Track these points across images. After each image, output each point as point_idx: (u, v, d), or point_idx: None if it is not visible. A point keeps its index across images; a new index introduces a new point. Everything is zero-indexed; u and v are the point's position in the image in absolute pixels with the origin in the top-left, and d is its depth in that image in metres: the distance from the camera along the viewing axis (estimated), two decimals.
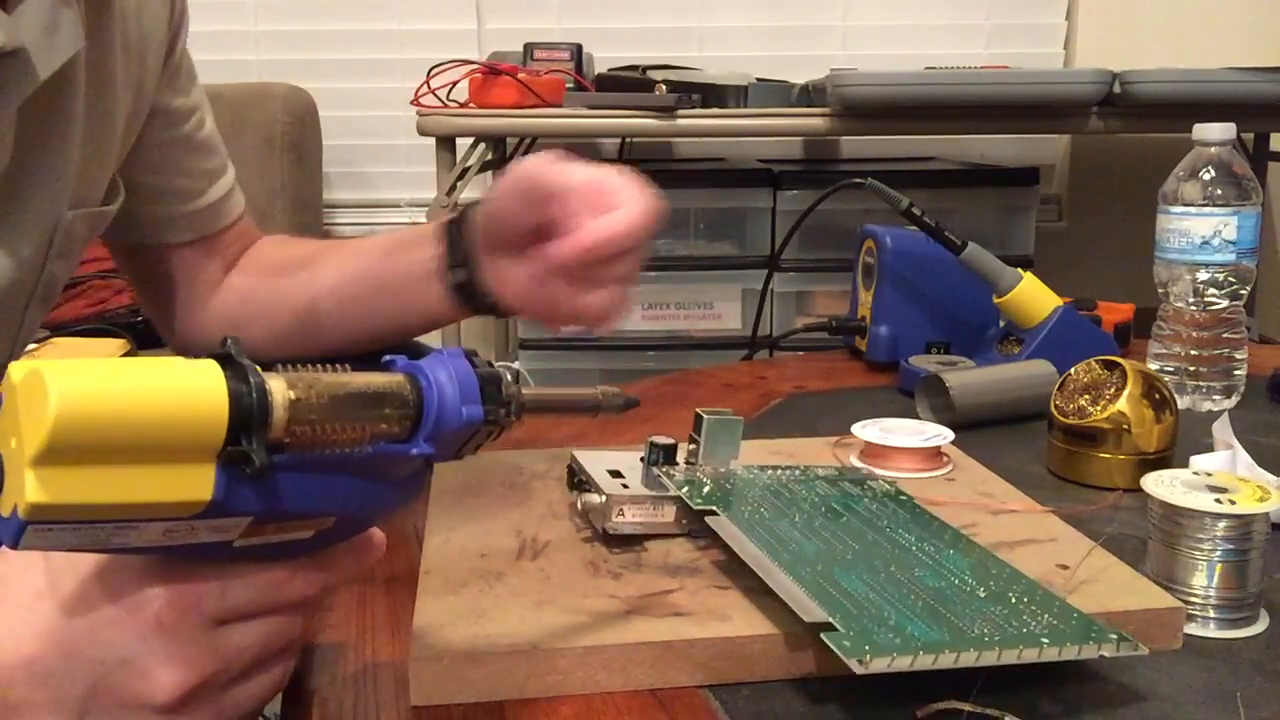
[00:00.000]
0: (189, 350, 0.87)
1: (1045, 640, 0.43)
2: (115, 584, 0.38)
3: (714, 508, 0.55)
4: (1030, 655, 0.43)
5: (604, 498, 0.55)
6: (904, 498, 0.60)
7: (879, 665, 0.41)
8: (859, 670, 0.41)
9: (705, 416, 0.61)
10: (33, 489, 0.30)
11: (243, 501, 0.34)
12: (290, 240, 0.88)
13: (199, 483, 0.33)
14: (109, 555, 0.38)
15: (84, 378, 0.31)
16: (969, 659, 0.42)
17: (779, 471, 0.62)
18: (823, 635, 0.42)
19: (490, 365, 0.40)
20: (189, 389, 0.33)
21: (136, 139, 0.75)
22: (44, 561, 0.39)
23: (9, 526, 0.31)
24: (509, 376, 0.41)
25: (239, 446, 0.33)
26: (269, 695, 0.42)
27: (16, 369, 0.31)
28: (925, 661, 0.41)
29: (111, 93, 0.69)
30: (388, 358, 0.40)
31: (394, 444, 0.38)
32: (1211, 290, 0.85)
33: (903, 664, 0.41)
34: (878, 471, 0.66)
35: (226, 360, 0.34)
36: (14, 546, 0.32)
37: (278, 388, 0.34)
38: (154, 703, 0.38)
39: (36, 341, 1.57)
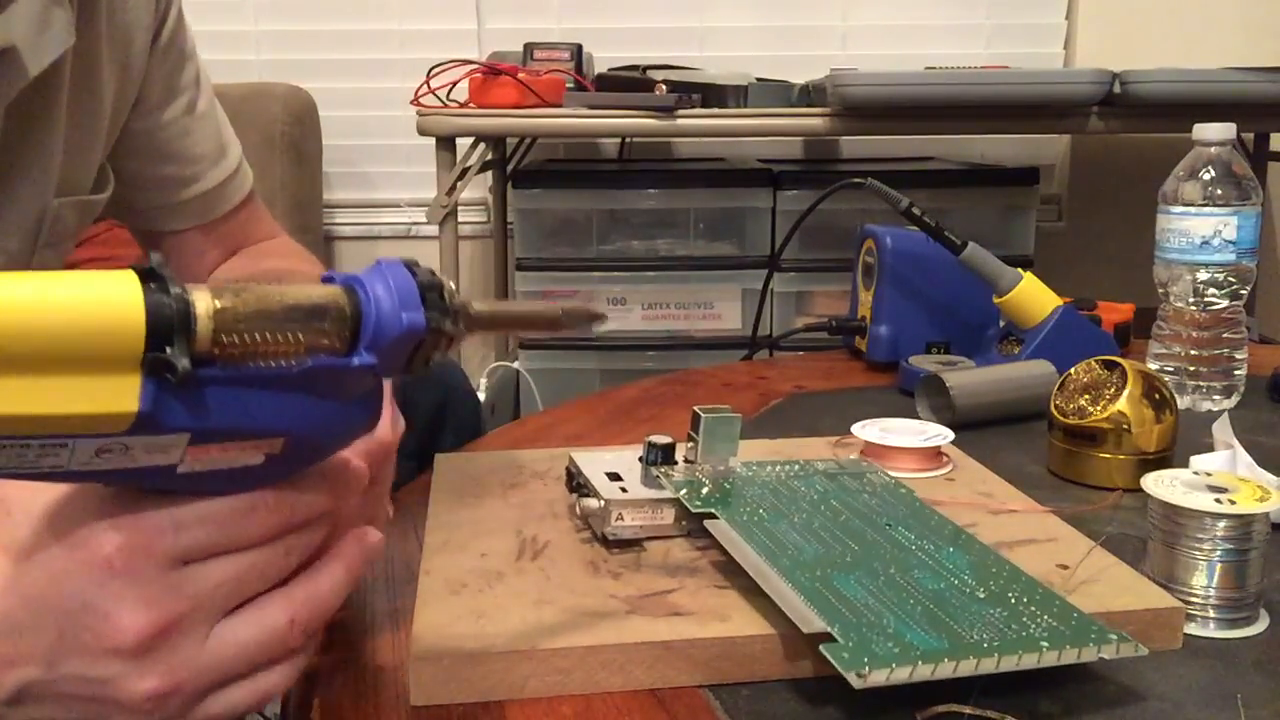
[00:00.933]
0: None
1: (1045, 644, 0.43)
2: (67, 528, 0.37)
3: (712, 510, 0.55)
4: (1030, 661, 0.43)
5: (602, 502, 0.55)
6: (903, 490, 0.60)
7: (877, 678, 0.41)
8: (857, 684, 0.40)
9: (703, 414, 0.61)
10: None
11: (173, 415, 0.33)
12: (278, 259, 0.85)
13: (123, 393, 0.32)
14: (60, 501, 0.37)
15: None
16: (968, 667, 0.42)
17: (778, 468, 0.62)
18: (821, 647, 0.42)
19: (433, 274, 0.39)
20: (102, 295, 0.32)
21: (123, 125, 0.74)
22: (9, 513, 0.38)
23: None
24: (452, 285, 0.39)
25: (164, 356, 0.32)
26: (269, 640, 0.40)
27: None
28: (924, 672, 0.41)
29: (98, 82, 0.68)
30: (326, 274, 0.39)
31: (333, 357, 0.37)
32: (1211, 290, 0.85)
33: (901, 675, 0.41)
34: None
35: (149, 272, 0.33)
36: None
37: (201, 296, 0.33)
38: (119, 646, 0.37)
39: None
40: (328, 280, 0.38)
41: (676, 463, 0.60)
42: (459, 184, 1.68)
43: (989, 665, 0.42)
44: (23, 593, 0.37)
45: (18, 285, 0.31)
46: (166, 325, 0.32)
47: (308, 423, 0.37)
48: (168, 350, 0.32)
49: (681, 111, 1.64)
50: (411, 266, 0.38)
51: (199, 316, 0.33)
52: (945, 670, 0.42)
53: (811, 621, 0.44)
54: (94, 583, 0.36)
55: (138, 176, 0.77)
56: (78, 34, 0.64)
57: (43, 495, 0.38)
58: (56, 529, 0.37)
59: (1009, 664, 0.42)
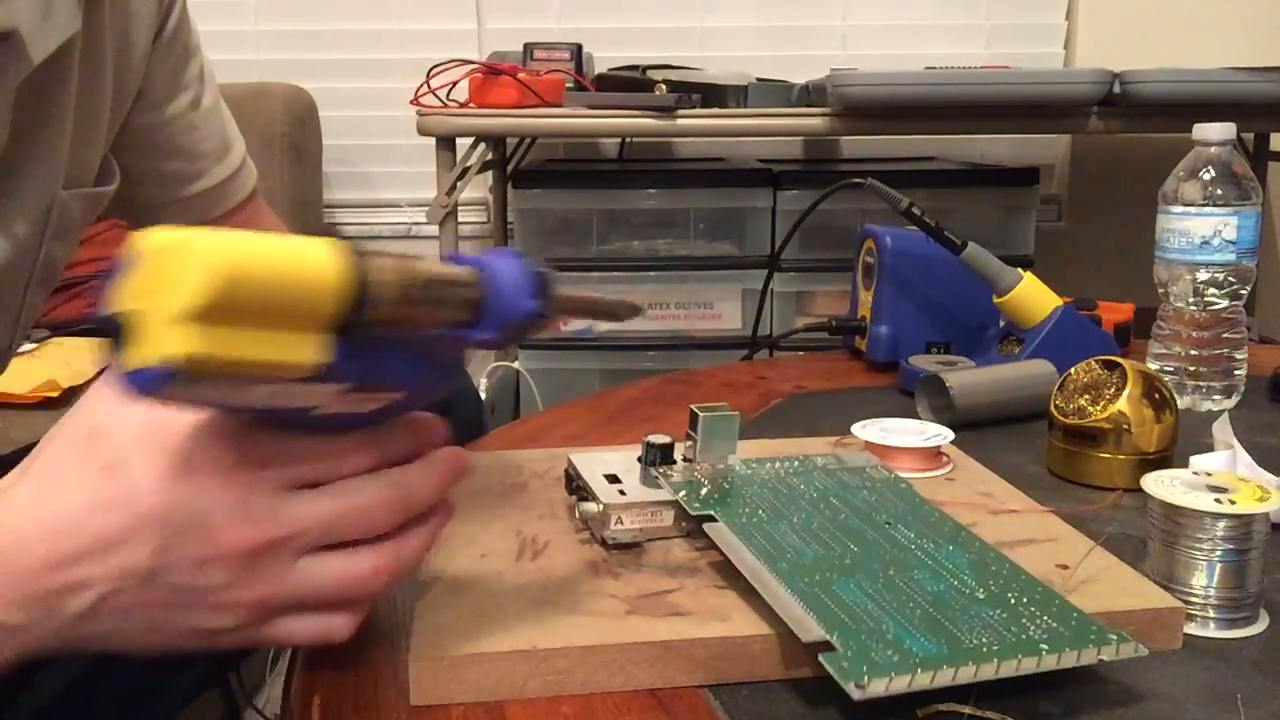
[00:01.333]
0: None
1: (1045, 648, 0.43)
2: (182, 449, 0.40)
3: (711, 512, 0.55)
4: (1029, 665, 0.43)
5: (601, 506, 0.55)
6: (903, 486, 0.60)
7: (876, 688, 0.41)
8: (857, 695, 0.40)
9: (701, 414, 0.61)
10: (183, 342, 0.33)
11: (347, 370, 0.37)
12: None
13: (318, 348, 0.36)
14: (165, 423, 0.40)
15: (231, 242, 0.34)
16: (967, 674, 0.42)
17: (777, 464, 0.62)
18: (820, 657, 0.42)
19: (535, 263, 0.44)
20: (317, 259, 0.36)
21: (125, 120, 0.73)
22: (107, 435, 0.40)
23: (142, 378, 0.34)
24: (553, 276, 0.44)
25: (354, 317, 0.36)
26: (352, 580, 0.42)
27: (147, 238, 0.34)
28: (923, 680, 0.41)
29: (101, 73, 0.68)
30: (450, 252, 0.44)
31: (463, 328, 0.41)
32: (1211, 290, 0.86)
33: (900, 685, 0.41)
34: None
35: (343, 240, 0.37)
36: (152, 396, 0.35)
37: (380, 264, 0.37)
38: (224, 555, 0.40)
39: (36, 342, 1.57)
40: (452, 258, 0.42)
41: (675, 462, 0.60)
42: (459, 184, 1.68)
43: (988, 671, 0.42)
44: (124, 508, 0.39)
45: (254, 244, 0.34)
46: (360, 289, 0.36)
47: (424, 382, 0.42)
48: (358, 314, 0.36)
49: (681, 111, 1.64)
50: (520, 257, 0.43)
51: (383, 284, 0.37)
52: (944, 678, 0.42)
53: (811, 630, 0.44)
54: (206, 498, 0.39)
55: (141, 172, 0.76)
56: (83, 23, 0.64)
57: (132, 417, 0.40)
58: (174, 449, 0.40)
59: (1008, 669, 0.42)
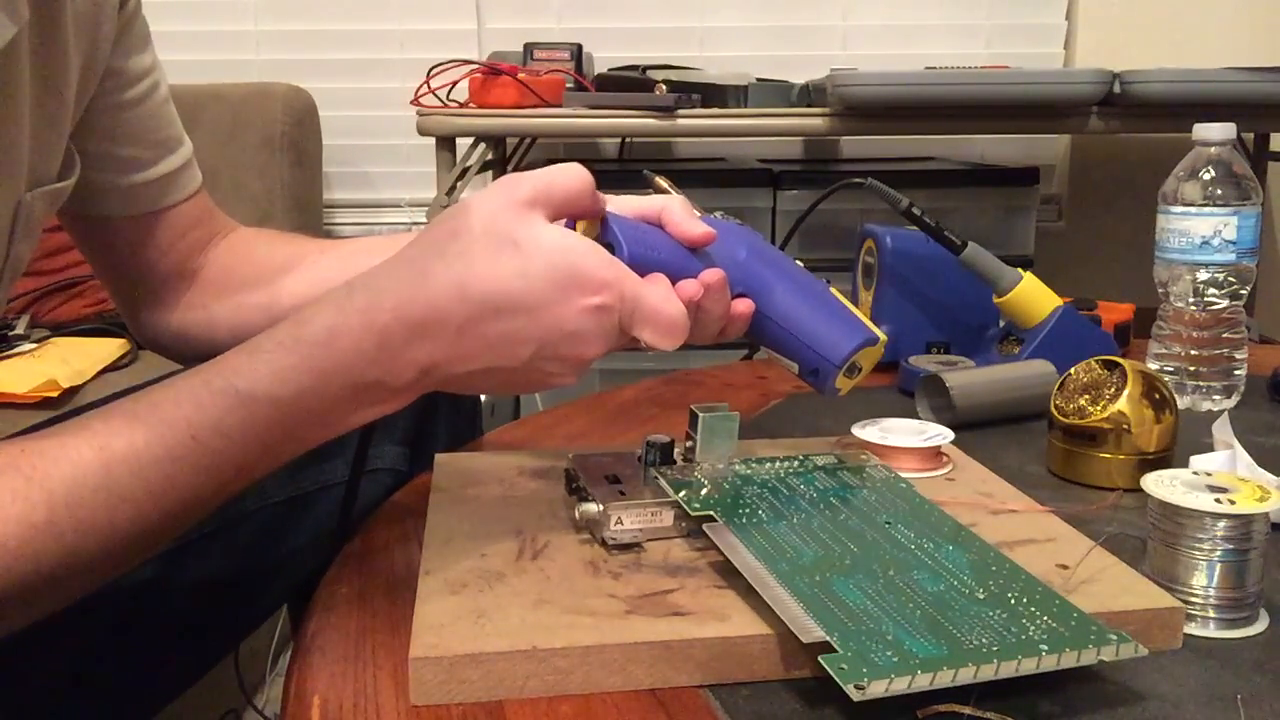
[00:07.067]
0: (162, 349, 0.85)
1: (1044, 648, 0.43)
2: (578, 270, 0.51)
3: (711, 512, 0.55)
4: (1029, 666, 0.43)
5: (600, 507, 0.55)
6: (902, 485, 0.60)
7: (876, 689, 0.41)
8: (856, 697, 0.40)
9: (700, 413, 0.61)
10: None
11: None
12: (278, 240, 0.85)
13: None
14: (571, 247, 0.52)
15: None
16: (967, 675, 0.42)
17: (778, 464, 0.62)
18: (820, 658, 0.42)
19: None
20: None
21: (90, 100, 0.71)
22: (521, 246, 0.51)
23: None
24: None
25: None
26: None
27: None
28: (923, 681, 0.41)
29: (62, 62, 0.66)
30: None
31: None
32: (1211, 290, 0.86)
33: (900, 686, 0.41)
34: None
35: None
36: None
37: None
38: (578, 361, 0.53)
39: (36, 342, 1.57)
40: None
41: (675, 462, 0.60)
42: (459, 184, 1.68)
43: (988, 672, 0.42)
44: (530, 313, 0.51)
45: None
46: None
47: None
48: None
49: (681, 111, 1.64)
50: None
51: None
52: (944, 679, 0.42)
53: (811, 631, 0.44)
54: (583, 320, 0.52)
55: (97, 155, 0.73)
56: (36, 14, 0.61)
57: (546, 236, 0.51)
58: (570, 268, 0.51)
59: (1008, 670, 0.42)
